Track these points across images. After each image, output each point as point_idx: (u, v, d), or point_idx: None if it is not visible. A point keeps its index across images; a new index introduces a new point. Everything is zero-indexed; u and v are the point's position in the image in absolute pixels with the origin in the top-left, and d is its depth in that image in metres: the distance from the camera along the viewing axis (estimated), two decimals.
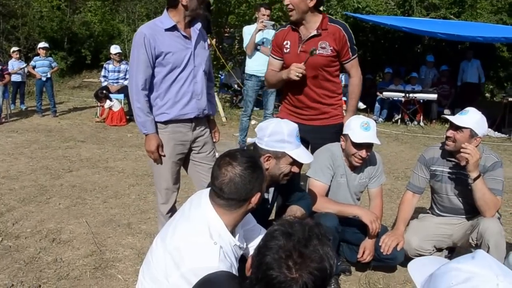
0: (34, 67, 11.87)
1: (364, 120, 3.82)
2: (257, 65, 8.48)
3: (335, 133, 4.09)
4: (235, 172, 2.31)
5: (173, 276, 2.20)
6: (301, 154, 3.10)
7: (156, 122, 3.72)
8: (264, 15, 8.19)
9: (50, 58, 12.14)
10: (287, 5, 3.99)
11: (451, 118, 3.77)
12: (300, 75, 3.89)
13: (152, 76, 3.65)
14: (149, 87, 3.67)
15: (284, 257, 1.63)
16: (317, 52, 3.94)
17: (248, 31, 8.48)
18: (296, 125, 3.17)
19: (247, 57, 8.66)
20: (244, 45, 8.64)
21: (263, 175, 2.39)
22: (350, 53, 4.10)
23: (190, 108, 3.77)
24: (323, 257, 1.64)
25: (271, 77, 4.26)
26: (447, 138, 3.80)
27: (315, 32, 4.00)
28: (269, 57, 4.35)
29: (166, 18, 3.65)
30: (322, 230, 1.72)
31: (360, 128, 3.76)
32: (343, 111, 4.30)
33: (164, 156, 3.76)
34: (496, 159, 3.87)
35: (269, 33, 8.50)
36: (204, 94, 3.85)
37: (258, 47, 8.40)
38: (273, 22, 8.20)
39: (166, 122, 3.73)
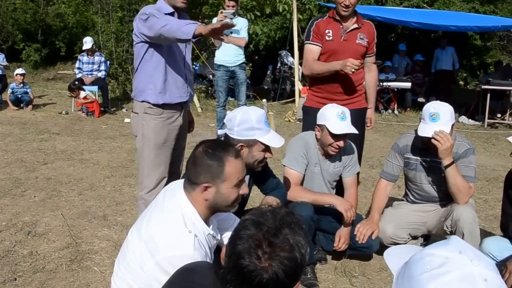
0: (12, 93, 11.62)
1: (339, 109, 3.84)
2: (226, 55, 8.48)
3: (360, 117, 4.51)
4: (198, 153, 2.37)
5: (148, 264, 2.22)
6: (272, 138, 3.14)
7: (151, 107, 3.83)
8: (228, 6, 8.16)
9: (26, 86, 11.92)
10: (348, 5, 4.34)
11: (430, 135, 3.62)
12: (355, 70, 4.21)
13: (150, 59, 3.79)
14: (144, 70, 3.82)
15: (254, 247, 1.63)
16: (358, 42, 4.48)
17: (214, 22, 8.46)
18: (263, 111, 3.23)
19: (216, 48, 8.66)
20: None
21: (218, 167, 2.33)
22: (374, 48, 4.68)
23: (184, 92, 3.95)
24: (293, 247, 1.65)
25: (317, 66, 4.52)
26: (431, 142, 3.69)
27: (356, 25, 4.48)
28: (308, 44, 4.61)
29: (163, 4, 3.84)
30: (294, 219, 1.73)
31: (336, 118, 3.79)
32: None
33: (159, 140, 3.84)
34: (468, 146, 3.89)
35: (238, 23, 8.48)
36: (192, 82, 4.11)
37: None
38: (233, 11, 8.15)
39: (162, 106, 3.83)
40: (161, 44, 3.77)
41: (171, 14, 3.83)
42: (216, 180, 2.32)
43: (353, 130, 3.83)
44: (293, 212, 1.81)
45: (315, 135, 3.98)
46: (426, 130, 3.68)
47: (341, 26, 4.45)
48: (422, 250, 1.40)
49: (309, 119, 4.49)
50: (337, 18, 4.46)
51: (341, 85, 4.45)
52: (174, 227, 2.25)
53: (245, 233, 1.68)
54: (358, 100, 4.59)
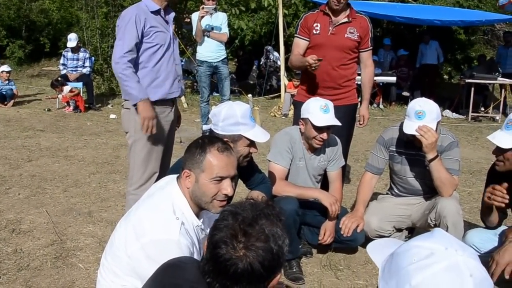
0: None
1: (322, 102, 3.86)
2: (208, 51, 8.48)
3: (348, 113, 4.54)
4: (191, 142, 2.41)
5: (132, 247, 2.23)
6: (257, 134, 3.15)
7: None
8: (209, 0, 8.15)
9: (11, 82, 11.83)
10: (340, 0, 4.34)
11: (414, 133, 3.64)
12: (314, 68, 4.21)
13: (139, 56, 3.81)
14: (135, 67, 3.83)
15: (230, 236, 1.65)
16: (347, 36, 4.46)
17: (195, 18, 8.45)
18: (248, 106, 3.24)
19: (198, 44, 8.65)
20: (193, 33, 8.64)
21: (199, 156, 2.34)
22: (369, 43, 4.63)
23: (174, 87, 4.01)
24: (269, 237, 1.65)
25: (296, 60, 4.56)
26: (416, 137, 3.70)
27: (346, 19, 4.46)
28: (295, 37, 4.63)
29: (150, 2, 3.86)
30: (273, 210, 1.74)
31: (319, 111, 3.80)
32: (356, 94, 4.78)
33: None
34: (452, 139, 3.91)
35: (218, 18, 8.48)
36: (181, 75, 4.16)
37: (207, 34, 8.36)
38: (214, 6, 8.15)
39: (154, 103, 3.86)
40: (149, 42, 3.81)
41: (157, 11, 3.85)
42: (196, 169, 2.33)
43: (336, 122, 3.85)
44: (274, 204, 1.81)
45: (299, 129, 3.99)
46: (411, 127, 3.69)
47: (330, 20, 4.44)
48: (407, 242, 1.42)
49: (298, 113, 4.51)
50: (327, 11, 4.45)
51: (329, 80, 4.47)
52: (162, 213, 2.27)
53: (222, 224, 1.69)
54: (347, 96, 4.60)
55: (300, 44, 4.55)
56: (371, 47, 4.64)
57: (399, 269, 1.34)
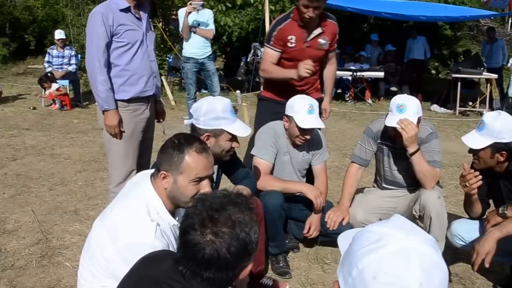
0: None
1: (308, 102, 3.84)
2: (194, 47, 8.48)
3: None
4: (166, 142, 2.37)
5: (108, 250, 2.21)
6: (238, 128, 3.16)
7: (116, 101, 3.84)
8: None
9: None
10: (312, 16, 4.11)
11: (395, 126, 3.66)
12: (310, 71, 4.06)
13: (110, 55, 3.78)
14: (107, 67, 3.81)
15: (198, 222, 1.67)
16: (319, 47, 4.35)
17: (182, 14, 8.42)
18: (229, 100, 3.25)
19: (184, 40, 8.62)
20: (180, 29, 8.62)
21: (177, 158, 2.30)
22: (335, 45, 4.59)
23: (149, 85, 3.97)
24: (235, 223, 1.67)
25: (275, 71, 4.38)
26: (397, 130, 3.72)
27: (320, 30, 4.30)
28: (268, 48, 4.38)
29: (121, 0, 3.80)
30: (243, 200, 1.76)
31: (305, 111, 3.79)
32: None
33: (124, 132, 3.88)
34: (431, 130, 3.92)
35: (204, 14, 8.48)
36: (158, 73, 4.12)
37: (193, 30, 8.34)
38: (201, 3, 8.14)
39: (128, 101, 3.86)
40: (120, 41, 3.80)
41: (127, 9, 3.80)
42: (174, 170, 2.30)
43: (321, 124, 3.89)
44: (246, 195, 1.85)
45: (283, 125, 3.98)
46: (392, 120, 3.71)
47: (304, 31, 4.28)
48: (364, 227, 1.41)
49: (263, 109, 4.54)
50: (301, 24, 4.26)
51: (305, 81, 4.37)
52: (137, 215, 2.24)
53: (191, 210, 1.72)
54: (312, 92, 4.49)
55: (273, 55, 4.36)
56: (335, 47, 4.66)
57: (351, 253, 1.34)
